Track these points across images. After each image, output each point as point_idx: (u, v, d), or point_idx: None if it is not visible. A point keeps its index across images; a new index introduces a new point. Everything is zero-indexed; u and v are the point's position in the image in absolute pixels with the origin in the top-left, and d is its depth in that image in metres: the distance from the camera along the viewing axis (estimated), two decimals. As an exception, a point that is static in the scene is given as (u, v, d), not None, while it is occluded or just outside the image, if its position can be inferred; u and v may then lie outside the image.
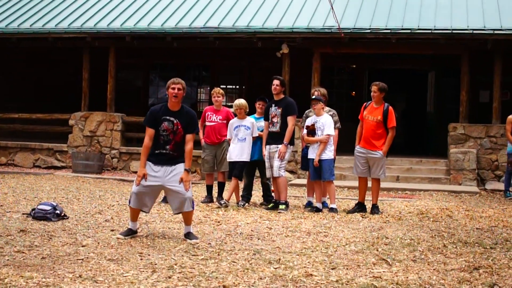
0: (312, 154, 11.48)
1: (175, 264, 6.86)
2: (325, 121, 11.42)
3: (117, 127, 19.38)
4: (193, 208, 8.53)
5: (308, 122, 11.60)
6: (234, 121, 12.18)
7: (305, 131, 11.62)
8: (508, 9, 17.85)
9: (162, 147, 8.41)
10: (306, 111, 12.17)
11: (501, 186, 15.99)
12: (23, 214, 10.21)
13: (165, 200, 11.72)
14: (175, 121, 8.40)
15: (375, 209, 11.35)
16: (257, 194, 13.12)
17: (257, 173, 12.46)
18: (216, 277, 6.37)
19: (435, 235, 9.20)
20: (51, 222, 9.50)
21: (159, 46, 20.49)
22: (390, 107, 11.35)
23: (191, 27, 19.02)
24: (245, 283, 6.19)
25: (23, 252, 7.35)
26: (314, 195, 11.87)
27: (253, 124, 12.06)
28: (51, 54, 23.41)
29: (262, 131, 11.94)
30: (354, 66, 22.60)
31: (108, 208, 11.34)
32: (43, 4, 21.63)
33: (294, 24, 18.29)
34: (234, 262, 7.11)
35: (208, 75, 25.13)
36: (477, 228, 9.99)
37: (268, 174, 11.78)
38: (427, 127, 21.92)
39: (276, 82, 11.53)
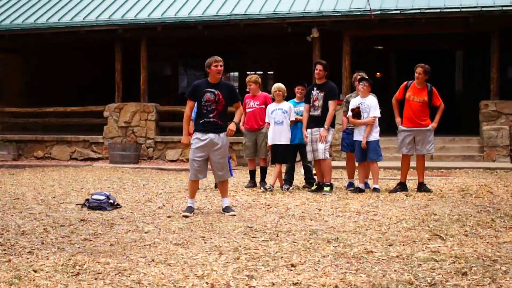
0: (358, 136, 11.70)
1: (239, 246, 7.16)
2: (370, 103, 11.60)
3: (151, 117, 19.73)
4: (231, 175, 9.85)
5: (353, 104, 11.80)
6: (271, 105, 12.43)
7: (350, 113, 11.82)
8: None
9: (206, 116, 9.49)
10: (347, 96, 12.42)
11: (535, 162, 16.20)
12: (77, 204, 10.57)
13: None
14: (216, 92, 9.48)
15: (424, 187, 11.60)
16: (296, 177, 13.37)
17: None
18: (281, 257, 6.65)
19: (480, 210, 9.44)
20: (106, 211, 9.83)
21: (188, 35, 20.74)
22: (433, 87, 11.63)
23: (218, 15, 19.26)
24: (310, 261, 6.47)
25: (90, 240, 7.68)
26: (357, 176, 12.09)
27: (290, 108, 12.30)
28: (81, 48, 23.78)
29: (301, 115, 12.18)
30: (381, 47, 22.74)
31: (156, 196, 11.66)
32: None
33: (321, 7, 18.50)
34: (294, 242, 7.39)
35: (235, 62, 25.35)
36: (521, 202, 10.23)
37: (309, 157, 12.02)
38: (456, 105, 22.05)
39: (319, 66, 11.75)
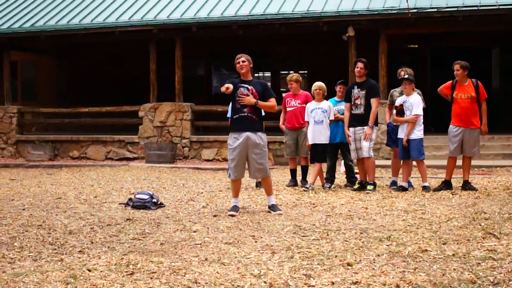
0: (402, 133, 11.59)
1: (291, 245, 7.10)
2: (413, 101, 11.48)
3: (186, 117, 19.71)
4: (268, 175, 9.64)
5: (397, 102, 11.69)
6: (311, 104, 12.35)
7: (394, 111, 11.71)
8: None
9: (240, 111, 9.49)
10: (392, 90, 12.32)
11: None
12: (120, 204, 10.57)
13: (259, 184, 12.08)
14: (249, 87, 9.52)
15: (469, 185, 11.51)
16: (336, 176, 13.24)
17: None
18: (335, 256, 6.57)
19: (531, 209, 9.30)
20: (150, 211, 9.83)
21: (222, 35, 20.70)
22: (479, 82, 11.53)
23: (251, 14, 19.19)
24: (365, 260, 6.38)
25: (139, 239, 7.66)
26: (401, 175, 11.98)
27: (330, 107, 12.21)
28: (115, 48, 23.87)
29: (343, 114, 12.09)
30: (416, 46, 22.55)
31: (197, 195, 11.64)
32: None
33: (354, 6, 18.34)
34: (346, 241, 7.31)
35: (267, 62, 25.27)
36: None
37: (353, 155, 11.94)
38: (493, 103, 21.76)
39: (360, 65, 11.68)
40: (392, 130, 12.14)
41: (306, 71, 24.08)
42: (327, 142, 12.22)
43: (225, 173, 16.36)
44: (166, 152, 18.94)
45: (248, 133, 9.40)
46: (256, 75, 25.93)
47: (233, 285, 5.58)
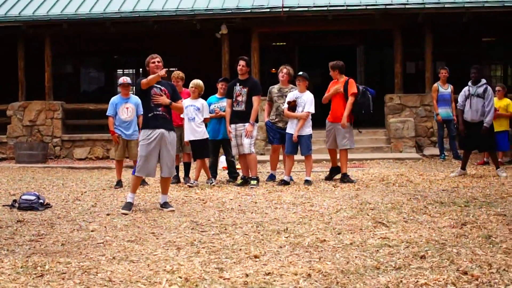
0: (291, 129, 11.95)
1: (194, 241, 7.23)
2: (306, 98, 11.88)
3: (57, 115, 19.34)
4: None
5: (290, 97, 12.03)
6: (186, 101, 12.40)
7: (286, 105, 12.04)
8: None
9: (155, 110, 9.57)
10: (270, 87, 12.64)
11: (437, 151, 16.98)
12: (3, 205, 10.29)
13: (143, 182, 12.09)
14: (162, 88, 9.67)
15: (347, 177, 12.20)
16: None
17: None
18: (240, 249, 6.77)
19: (410, 198, 9.88)
20: (39, 212, 9.64)
21: (94, 32, 20.40)
22: (351, 79, 12.23)
23: (121, 11, 19.13)
24: (270, 252, 6.61)
25: (38, 241, 7.53)
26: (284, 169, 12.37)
27: (204, 105, 12.37)
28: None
29: (224, 111, 12.30)
30: (284, 43, 23.13)
31: (81, 195, 11.51)
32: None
33: (224, 4, 18.79)
34: (246, 235, 7.52)
35: (139, 59, 25.06)
36: (442, 190, 10.75)
37: (234, 151, 12.18)
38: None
39: (242, 62, 11.93)
40: (270, 128, 12.52)
41: (175, 68, 24.05)
42: (203, 138, 12.32)
43: (100, 171, 16.26)
44: (37, 152, 18.49)
45: (162, 130, 9.53)
46: (126, 71, 25.81)
47: (149, 281, 5.65)
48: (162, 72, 9.41)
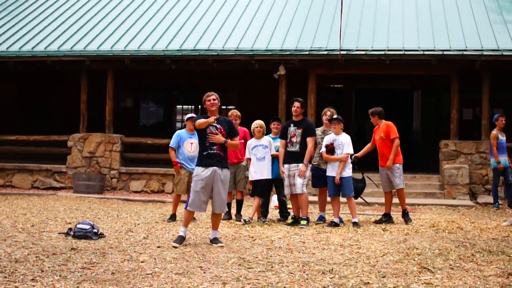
0: (331, 171, 12.14)
1: (240, 276, 7.39)
2: (344, 140, 12.07)
3: (116, 148, 19.80)
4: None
5: (327, 140, 12.21)
6: (251, 142, 12.73)
7: (324, 149, 12.22)
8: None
9: (210, 148, 9.74)
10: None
11: (491, 199, 16.83)
12: (59, 233, 10.62)
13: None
14: (218, 126, 9.79)
15: (407, 215, 12.81)
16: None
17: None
18: (284, 287, 6.91)
19: (458, 245, 9.86)
20: (92, 241, 9.93)
21: (154, 68, 20.94)
22: (390, 122, 12.91)
23: (182, 49, 19.57)
24: (313, 292, 6.74)
25: (89, 268, 7.79)
26: (330, 211, 12.47)
27: (270, 143, 12.63)
28: (48, 78, 23.82)
29: (277, 150, 12.51)
30: (341, 85, 23.31)
31: (135, 226, 11.78)
32: (42, 26, 22.02)
33: (283, 46, 18.99)
34: (291, 273, 7.65)
35: (197, 95, 25.54)
36: (492, 239, 10.69)
37: (286, 191, 12.34)
38: (413, 143, 22.69)
39: (297, 104, 12.16)
40: (315, 172, 12.68)
41: (234, 107, 24.43)
42: (270, 177, 12.58)
43: (155, 205, 16.58)
44: (95, 183, 18.95)
45: (215, 168, 9.69)
46: (185, 107, 26.28)
47: (194, 313, 5.83)
48: (211, 119, 9.59)
